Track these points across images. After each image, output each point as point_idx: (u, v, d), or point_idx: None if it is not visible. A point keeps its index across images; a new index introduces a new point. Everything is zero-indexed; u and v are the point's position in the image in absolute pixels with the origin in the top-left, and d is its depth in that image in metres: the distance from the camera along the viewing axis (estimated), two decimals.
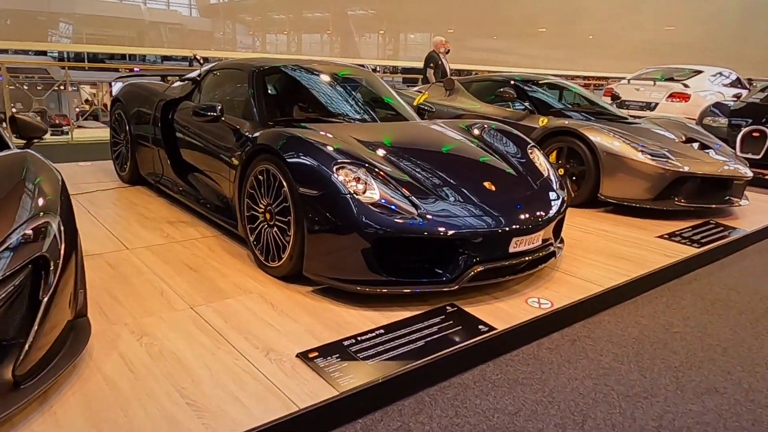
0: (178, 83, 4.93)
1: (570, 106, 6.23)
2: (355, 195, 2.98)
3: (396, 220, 2.95)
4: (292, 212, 3.11)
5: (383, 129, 4.02)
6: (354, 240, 2.94)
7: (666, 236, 4.61)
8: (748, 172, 5.30)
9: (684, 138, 5.75)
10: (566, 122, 5.47)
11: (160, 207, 4.64)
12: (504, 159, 3.83)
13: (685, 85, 10.30)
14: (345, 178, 3.03)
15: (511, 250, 3.18)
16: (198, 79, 4.71)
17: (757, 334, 3.28)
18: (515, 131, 4.27)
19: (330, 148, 3.18)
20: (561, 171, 5.42)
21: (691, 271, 4.20)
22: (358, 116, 4.23)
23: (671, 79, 11.02)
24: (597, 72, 25.26)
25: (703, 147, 5.66)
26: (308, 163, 3.09)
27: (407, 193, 3.10)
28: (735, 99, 9.12)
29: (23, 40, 20.48)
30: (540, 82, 6.48)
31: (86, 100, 22.29)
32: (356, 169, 3.09)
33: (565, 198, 3.80)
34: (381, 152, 3.45)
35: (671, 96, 10.27)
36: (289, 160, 3.13)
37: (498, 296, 3.27)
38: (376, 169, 3.16)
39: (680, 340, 3.14)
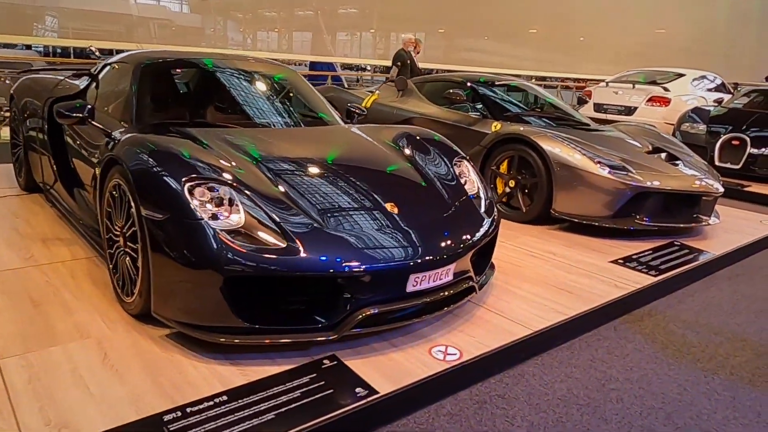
0: (76, 78, 4.28)
1: (530, 111, 5.59)
2: (210, 220, 2.34)
3: (261, 254, 2.31)
4: (139, 238, 2.47)
5: (284, 136, 3.37)
6: (208, 277, 2.31)
7: (621, 261, 3.98)
8: (719, 188, 4.67)
9: (650, 148, 5.12)
10: (520, 128, 4.83)
11: (44, 221, 3.99)
12: (421, 173, 3.19)
13: (666, 89, 9.66)
14: (200, 198, 2.40)
15: (410, 289, 2.55)
16: (94, 73, 4.07)
17: (710, 392, 2.65)
18: (444, 140, 3.63)
19: (186, 159, 2.54)
20: (512, 183, 4.79)
21: (646, 304, 3.57)
22: (261, 120, 3.59)
23: (653, 83, 10.38)
24: (588, 74, 24.65)
25: (671, 158, 5.03)
26: (155, 177, 2.45)
27: (280, 218, 2.47)
28: (716, 104, 8.50)
29: (6, 33, 19.82)
30: (500, 83, 5.84)
31: None
32: (217, 186, 2.46)
33: (496, 219, 3.18)
34: (266, 165, 2.81)
35: (651, 100, 9.62)
36: (134, 174, 2.49)
37: (397, 343, 2.64)
38: (246, 188, 2.53)
39: (616, 401, 2.52)
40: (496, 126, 5.08)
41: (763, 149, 7.08)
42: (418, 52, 9.44)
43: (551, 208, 4.55)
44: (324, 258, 2.38)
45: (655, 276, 3.74)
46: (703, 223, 4.62)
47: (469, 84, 5.54)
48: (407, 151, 3.38)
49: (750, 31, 21.67)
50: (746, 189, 6.86)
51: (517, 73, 26.68)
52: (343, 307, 2.43)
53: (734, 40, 21.45)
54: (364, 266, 2.39)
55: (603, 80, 10.46)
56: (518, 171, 4.76)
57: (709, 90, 10.90)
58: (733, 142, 7.29)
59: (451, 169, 3.30)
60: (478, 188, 3.33)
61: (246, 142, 3.03)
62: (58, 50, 29.05)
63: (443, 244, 2.69)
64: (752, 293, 3.89)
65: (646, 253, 4.20)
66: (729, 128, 7.44)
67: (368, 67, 29.93)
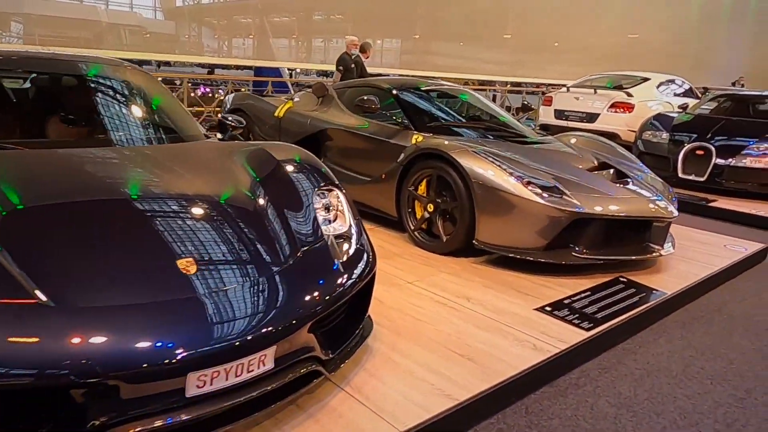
0: None
1: (462, 121, 4.75)
2: None
3: None
4: None
5: (79, 161, 2.46)
6: None
7: (548, 308, 3.15)
8: (674, 211, 3.86)
9: (595, 163, 4.30)
10: (442, 142, 3.99)
11: None
12: (256, 209, 2.34)
13: (629, 94, 8.88)
14: None
15: (194, 392, 1.69)
16: None
17: None
18: (311, 161, 2.78)
19: None
20: (431, 207, 3.95)
21: (574, 369, 2.74)
22: (83, 139, 2.72)
23: (620, 87, 9.60)
24: (564, 80, 23.97)
25: (620, 175, 4.21)
26: None
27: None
28: (681, 110, 7.73)
29: None
30: (431, 89, 5.00)
31: None
32: None
33: (365, 268, 2.34)
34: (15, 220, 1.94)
35: (613, 106, 8.84)
36: None
37: None
38: None
39: None
40: (417, 139, 4.24)
41: (730, 159, 6.31)
42: (367, 56, 8.60)
43: (474, 238, 3.72)
44: (49, 355, 1.52)
45: (587, 329, 2.91)
46: (655, 254, 3.80)
47: (394, 91, 4.69)
48: (253, 177, 2.53)
49: (719, 34, 21.07)
50: (711, 204, 6.07)
51: (491, 79, 26.03)
52: (80, 423, 1.56)
53: (707, 44, 20.85)
54: (98, 366, 1.53)
55: (564, 85, 9.66)
56: (438, 193, 3.92)
57: (677, 95, 10.15)
58: (697, 152, 6.51)
59: (309, 201, 2.45)
60: (350, 226, 2.49)
61: (25, 168, 2.17)
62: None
63: (256, 320, 1.83)
64: (710, 346, 3.07)
65: (583, 295, 3.36)
66: (693, 137, 6.66)
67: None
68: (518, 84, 24.40)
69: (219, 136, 3.36)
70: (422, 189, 4.00)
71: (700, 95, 10.13)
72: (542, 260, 3.57)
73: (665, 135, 6.88)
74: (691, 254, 4.29)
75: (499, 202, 3.57)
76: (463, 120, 4.69)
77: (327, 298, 2.08)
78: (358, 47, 8.47)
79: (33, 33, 21.02)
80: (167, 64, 30.61)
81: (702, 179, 6.40)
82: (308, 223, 2.35)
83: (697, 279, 3.76)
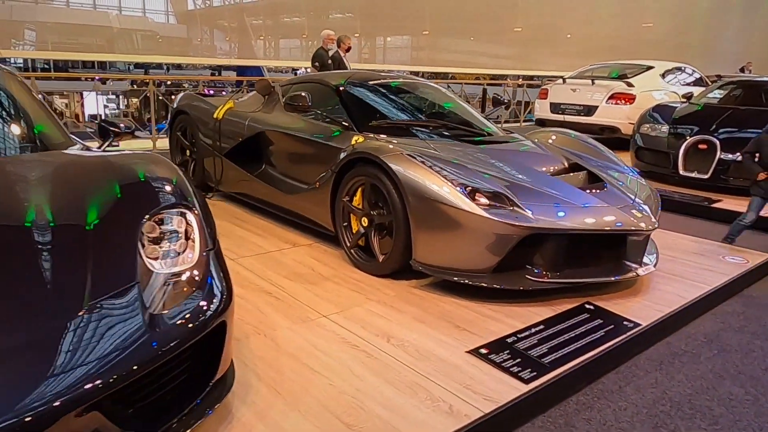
0: None
1: (416, 119, 4.08)
2: None
3: None
4: None
5: None
6: None
7: (484, 350, 2.49)
8: (652, 222, 3.14)
9: (565, 165, 3.61)
10: (380, 143, 3.35)
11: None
12: (61, 241, 1.73)
13: (629, 84, 8.07)
14: None
15: None
16: None
17: None
18: (163, 178, 2.15)
19: None
20: (365, 221, 3.31)
21: None
22: None
23: (624, 77, 8.78)
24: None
25: (594, 179, 3.52)
26: None
27: None
28: (685, 100, 6.92)
29: None
30: (386, 84, 4.34)
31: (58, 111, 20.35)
32: None
33: (210, 316, 1.72)
34: None
35: (612, 97, 8.05)
36: None
37: None
38: None
39: None
40: (356, 141, 3.60)
41: (737, 154, 5.52)
42: (347, 50, 7.95)
43: (412, 258, 3.07)
44: None
45: (527, 380, 2.25)
46: (630, 274, 3.10)
47: (339, 87, 4.04)
48: (69, 199, 1.92)
49: (731, 20, 19.85)
50: (715, 205, 5.30)
51: (503, 73, 25.19)
52: None
53: (717, 31, 19.67)
54: None
55: (561, 77, 8.89)
56: (372, 204, 3.28)
57: (687, 84, 9.30)
58: (700, 146, 5.74)
59: (132, 232, 1.83)
60: (197, 260, 1.87)
61: None
62: (38, 65, 27.93)
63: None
64: (690, 397, 2.38)
65: (534, 329, 2.69)
66: (695, 129, 5.88)
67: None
68: (530, 77, 23.48)
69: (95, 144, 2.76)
70: (357, 200, 3.36)
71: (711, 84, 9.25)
72: (489, 286, 2.90)
73: (665, 128, 6.11)
74: (681, 269, 3.57)
75: (437, 214, 2.91)
76: (417, 118, 4.02)
77: (120, 366, 1.46)
78: (334, 42, 7.83)
79: (46, 40, 20.89)
80: (178, 66, 30.34)
81: (705, 176, 5.64)
82: (119, 260, 1.73)
83: (682, 303, 3.05)
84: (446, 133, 3.78)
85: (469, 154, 3.41)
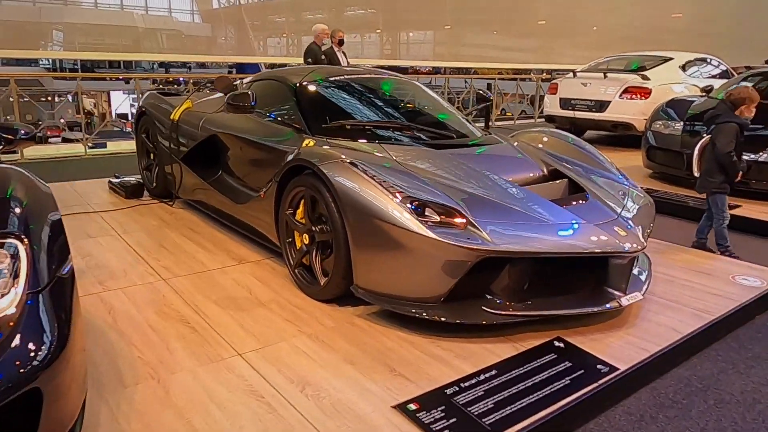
0: None
1: (378, 120, 3.58)
2: None
3: None
4: None
5: None
6: None
7: (414, 405, 2.01)
8: (638, 242, 2.60)
9: (545, 172, 3.09)
10: (322, 149, 2.90)
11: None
12: None
13: (645, 77, 7.40)
14: None
15: None
16: None
17: None
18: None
19: None
20: (306, 238, 2.86)
21: None
22: None
23: (643, 69, 8.09)
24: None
25: (575, 189, 3.00)
26: None
27: None
28: (704, 94, 6.26)
29: (14, 48, 19.06)
30: (356, 81, 3.86)
31: (87, 111, 20.40)
32: None
33: (19, 376, 1.30)
34: None
35: (626, 92, 7.39)
36: None
37: None
38: None
39: None
40: (306, 144, 3.14)
41: (760, 153, 4.89)
42: (339, 43, 7.47)
43: (353, 283, 2.61)
44: None
45: None
46: (611, 304, 2.57)
47: (295, 84, 3.58)
48: None
49: (763, 5, 18.62)
50: (732, 212, 4.67)
51: (526, 67, 24.37)
52: None
53: (747, 16, 18.49)
54: None
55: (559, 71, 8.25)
56: (313, 219, 2.82)
57: (711, 77, 8.56)
58: None
59: None
60: (17, 301, 1.45)
61: None
62: (66, 66, 28.21)
63: None
64: None
65: (485, 375, 2.20)
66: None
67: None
68: (550, 72, 22.63)
69: None
70: (300, 213, 2.91)
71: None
72: (438, 319, 2.42)
73: (679, 125, 5.49)
74: (680, 294, 3.02)
75: (378, 233, 2.44)
76: (383, 119, 3.53)
77: None
78: (329, 36, 7.36)
79: (73, 41, 21.00)
80: (202, 65, 30.33)
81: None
82: None
83: (676, 339, 2.52)
84: (413, 136, 3.29)
85: (431, 160, 2.92)
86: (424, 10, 25.69)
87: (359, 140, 3.12)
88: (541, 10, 24.93)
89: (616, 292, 2.59)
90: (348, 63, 7.57)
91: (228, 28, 26.87)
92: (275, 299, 2.84)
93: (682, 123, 5.45)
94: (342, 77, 3.73)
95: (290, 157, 2.92)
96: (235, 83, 4.07)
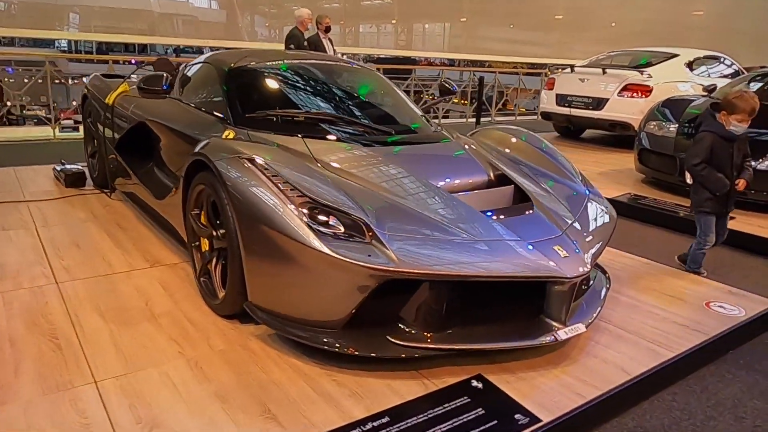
0: None
1: (314, 110, 3.15)
2: None
3: None
4: None
5: None
6: None
7: None
8: (581, 266, 2.17)
9: (492, 176, 2.67)
10: (226, 143, 2.50)
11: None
12: None
13: (645, 74, 6.86)
14: None
15: None
16: None
17: None
18: None
19: None
20: (206, 244, 2.48)
21: None
22: None
23: (650, 65, 7.54)
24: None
25: (521, 196, 2.56)
26: None
27: None
28: (705, 94, 5.73)
29: (31, 28, 19.02)
30: (295, 66, 3.44)
31: None
32: None
33: None
34: None
35: (626, 89, 6.86)
36: None
37: None
38: None
39: None
40: (227, 136, 2.76)
41: (760, 160, 4.39)
42: (326, 31, 7.04)
43: (247, 299, 2.22)
44: None
45: None
46: (546, 339, 2.14)
47: (226, 69, 3.18)
48: None
49: None
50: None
51: (542, 62, 23.71)
52: None
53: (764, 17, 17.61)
54: None
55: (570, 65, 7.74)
56: (214, 222, 2.44)
57: (723, 77, 7.98)
58: None
59: None
60: None
61: None
62: (81, 49, 28.17)
63: None
64: None
65: (373, 424, 1.80)
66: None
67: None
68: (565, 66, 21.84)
69: None
70: (204, 216, 2.52)
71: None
72: (331, 350, 2.02)
73: (673, 126, 4.99)
74: (639, 323, 2.58)
75: (270, 243, 2.05)
76: (313, 110, 3.08)
77: None
78: (312, 22, 6.94)
79: (89, 24, 20.91)
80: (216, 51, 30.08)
81: None
82: None
83: (620, 383, 2.09)
84: (345, 130, 2.87)
85: (355, 158, 2.51)
86: (441, 2, 25.13)
87: (282, 133, 2.72)
88: (558, 4, 24.19)
89: (555, 324, 2.16)
90: (334, 51, 7.15)
91: (244, 14, 26.57)
92: (171, 312, 2.47)
93: (676, 124, 4.94)
94: (281, 63, 3.32)
95: (196, 150, 2.52)
96: (175, 66, 3.68)
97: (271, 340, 2.26)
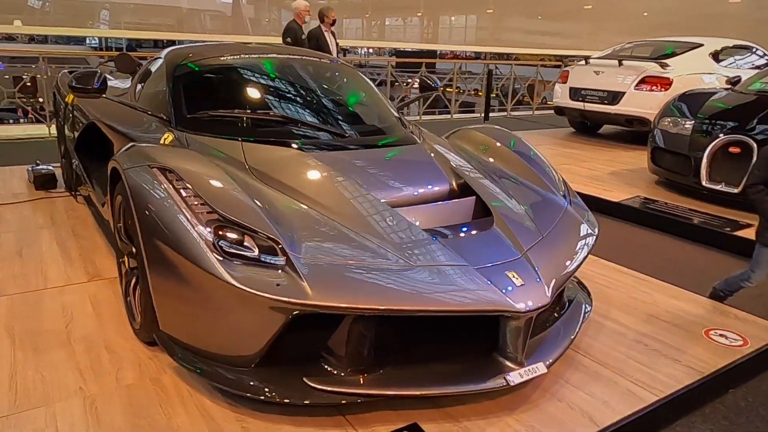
0: None
1: (279, 112, 2.83)
2: None
3: None
4: None
5: None
6: None
7: None
8: (539, 298, 1.80)
9: (454, 186, 2.32)
10: (148, 148, 2.22)
11: None
12: None
13: (665, 65, 6.34)
14: None
15: None
16: None
17: None
18: None
19: None
20: (128, 261, 2.20)
21: None
22: None
23: (674, 55, 6.99)
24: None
25: (483, 211, 2.21)
26: None
27: None
28: (729, 87, 5.21)
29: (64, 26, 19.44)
30: (254, 63, 3.13)
31: None
32: None
33: None
34: None
35: (643, 82, 6.35)
36: None
37: None
38: None
39: None
40: (165, 139, 2.48)
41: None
42: (331, 24, 6.72)
43: (158, 327, 1.94)
44: None
45: None
46: (494, 382, 1.79)
47: (175, 66, 2.90)
48: None
49: None
50: (740, 232, 3.74)
51: (570, 54, 22.92)
52: None
53: None
54: None
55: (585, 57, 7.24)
56: (129, 236, 2.16)
57: (756, 68, 7.36)
58: (731, 149, 4.15)
59: None
60: None
61: None
62: (112, 45, 28.50)
63: None
64: None
65: None
66: (729, 126, 4.27)
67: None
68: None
69: None
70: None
71: None
72: (245, 394, 1.72)
73: (689, 123, 4.52)
74: (622, 357, 2.20)
75: (173, 265, 1.76)
76: (262, 111, 2.75)
77: None
78: (313, 15, 6.61)
79: (119, 21, 21.15)
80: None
81: (736, 190, 4.05)
82: None
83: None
84: (290, 133, 2.55)
85: (293, 166, 2.19)
86: None
87: (224, 137, 2.42)
88: None
89: (509, 364, 1.81)
90: (337, 45, 6.83)
91: (271, 10, 26.48)
92: (90, 336, 2.21)
93: (692, 121, 4.48)
94: (239, 59, 3.01)
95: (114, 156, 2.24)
96: (137, 63, 3.41)
97: (187, 375, 1.97)
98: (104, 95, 2.65)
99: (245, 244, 1.74)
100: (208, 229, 1.73)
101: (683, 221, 3.90)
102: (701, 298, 2.76)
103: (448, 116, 9.81)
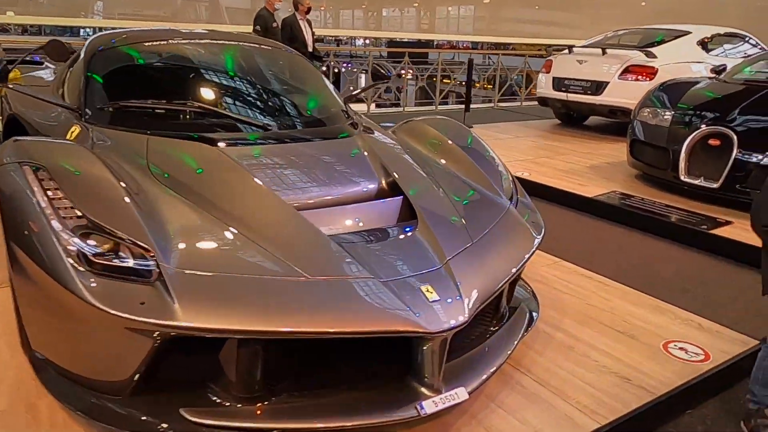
0: None
1: (191, 104, 2.53)
2: None
3: None
4: None
5: None
6: None
7: None
8: (456, 315, 1.55)
9: (383, 184, 2.06)
10: (38, 142, 1.97)
11: None
12: None
13: (650, 54, 6.04)
14: None
15: None
16: None
17: None
18: None
19: None
20: None
21: None
22: None
23: (663, 43, 6.68)
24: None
25: (410, 213, 1.96)
26: None
27: None
28: (713, 76, 4.92)
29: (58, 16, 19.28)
30: (179, 47, 2.84)
31: None
32: None
33: None
34: None
35: (628, 71, 6.06)
36: None
37: None
38: None
39: None
40: (71, 133, 2.23)
41: (759, 155, 3.64)
42: (306, 12, 6.43)
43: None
44: None
45: None
46: (405, 412, 1.54)
47: (91, 53, 2.63)
48: None
49: None
50: (717, 230, 3.48)
51: (569, 44, 22.48)
52: None
53: None
54: None
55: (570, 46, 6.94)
56: None
57: (747, 58, 7.05)
58: (710, 142, 3.88)
59: None
60: None
61: None
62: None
63: None
64: None
65: None
66: (710, 117, 4.00)
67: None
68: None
69: None
70: None
71: None
72: (113, 428, 1.48)
73: (668, 114, 4.24)
74: (566, 374, 1.96)
75: (32, 275, 1.52)
76: (187, 99, 2.48)
77: None
78: (293, 3, 6.31)
79: (113, 12, 20.90)
80: None
81: (715, 185, 3.79)
82: None
83: None
84: (206, 125, 2.30)
85: (195, 163, 1.94)
86: None
87: (133, 129, 2.17)
88: None
89: (424, 390, 1.56)
90: (313, 35, 6.54)
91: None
92: None
93: (671, 111, 4.20)
94: (165, 44, 2.75)
95: None
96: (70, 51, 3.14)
97: None
98: (14, 85, 2.39)
99: (120, 253, 1.49)
100: (74, 236, 1.48)
101: (658, 218, 3.64)
102: (665, 304, 2.51)
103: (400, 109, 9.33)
